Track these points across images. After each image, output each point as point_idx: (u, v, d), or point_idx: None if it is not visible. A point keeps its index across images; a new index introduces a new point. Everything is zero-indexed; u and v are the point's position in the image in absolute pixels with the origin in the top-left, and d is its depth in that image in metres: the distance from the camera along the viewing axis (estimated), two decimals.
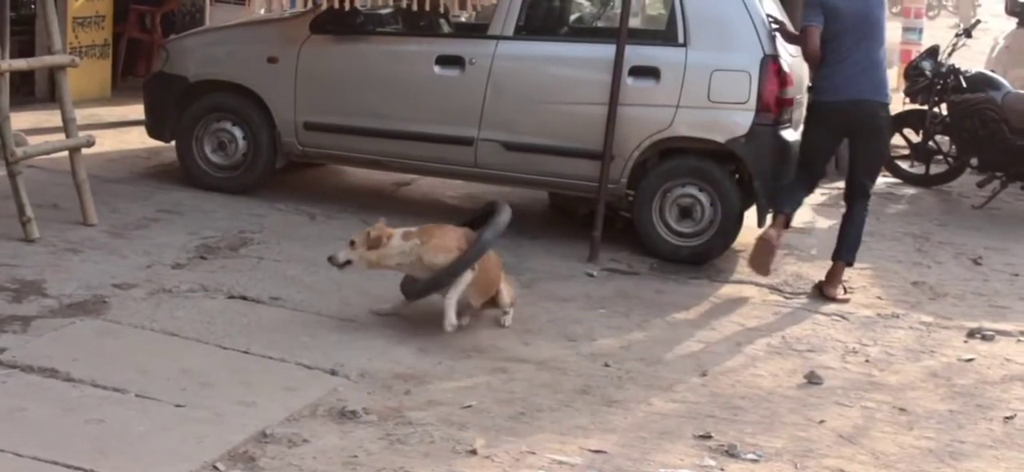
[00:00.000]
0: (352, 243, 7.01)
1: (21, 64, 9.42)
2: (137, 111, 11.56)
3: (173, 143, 10.19)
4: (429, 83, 9.43)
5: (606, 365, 6.74)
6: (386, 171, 10.06)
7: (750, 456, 5.67)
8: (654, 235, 8.97)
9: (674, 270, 8.72)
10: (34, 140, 9.61)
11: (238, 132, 9.86)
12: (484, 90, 9.25)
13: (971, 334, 7.75)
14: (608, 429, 5.87)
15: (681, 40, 8.96)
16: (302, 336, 6.78)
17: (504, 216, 7.22)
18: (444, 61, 9.41)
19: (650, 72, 8.97)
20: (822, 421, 6.17)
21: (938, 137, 12.36)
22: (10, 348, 6.15)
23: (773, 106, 8.74)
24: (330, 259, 7.04)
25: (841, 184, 8.88)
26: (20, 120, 8.42)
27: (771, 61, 8.77)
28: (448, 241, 7.01)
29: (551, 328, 7.32)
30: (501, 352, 6.82)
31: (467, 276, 6.91)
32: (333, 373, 6.29)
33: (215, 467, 5.15)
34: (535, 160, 9.20)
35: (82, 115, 8.93)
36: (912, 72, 12.48)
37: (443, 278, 6.89)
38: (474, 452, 5.46)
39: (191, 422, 5.51)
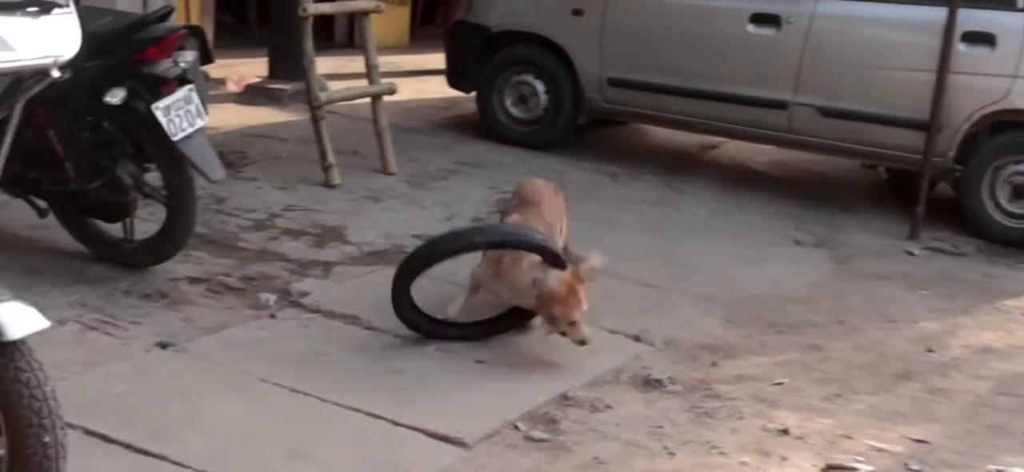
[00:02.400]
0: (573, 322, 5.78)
1: (325, 8, 9.70)
2: (434, 60, 11.86)
3: (473, 94, 10.38)
4: (742, 42, 9.33)
5: (929, 350, 6.55)
6: (692, 132, 10.01)
7: None
8: (983, 214, 8.67)
9: (1004, 253, 8.43)
10: (333, 86, 9.94)
11: (540, 86, 9.99)
12: (801, 51, 9.10)
13: None
14: (931, 418, 5.70)
15: (1021, 4, 8.61)
16: (604, 299, 6.78)
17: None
18: (759, 19, 9.29)
19: (984, 38, 8.65)
20: None
21: None
22: (313, 292, 6.39)
23: None
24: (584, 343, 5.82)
25: None
26: (319, 65, 8.70)
27: None
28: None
29: (867, 307, 7.15)
30: (814, 329, 6.70)
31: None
32: (637, 339, 6.30)
33: (516, 426, 5.22)
34: (854, 128, 9.00)
35: (380, 62, 9.16)
36: None
37: None
38: (786, 432, 5.39)
39: (493, 379, 5.59)
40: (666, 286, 7.12)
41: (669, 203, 8.84)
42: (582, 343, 5.79)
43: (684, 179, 9.47)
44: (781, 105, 9.16)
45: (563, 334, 5.78)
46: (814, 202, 9.26)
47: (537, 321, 5.95)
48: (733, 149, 10.59)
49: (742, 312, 6.83)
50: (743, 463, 5.08)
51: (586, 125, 10.07)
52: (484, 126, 10.19)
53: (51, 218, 6.52)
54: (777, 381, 5.94)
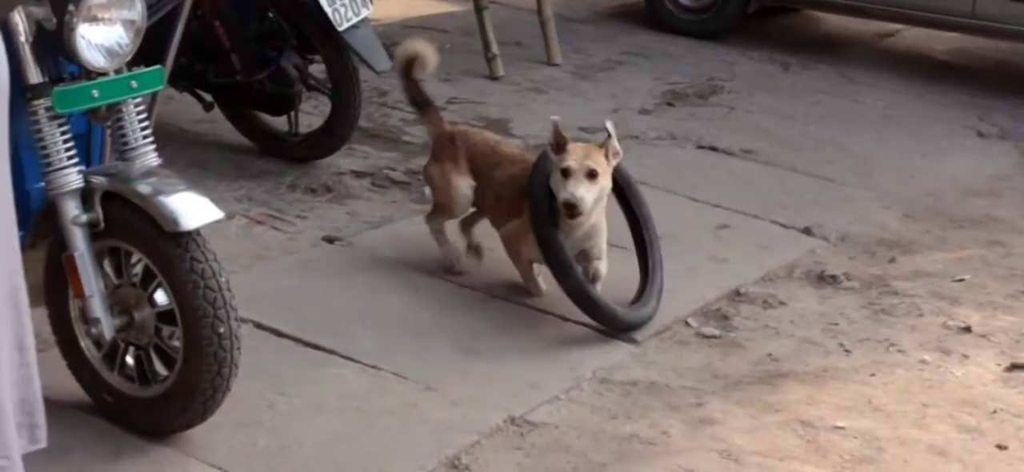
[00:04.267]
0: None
1: None
2: None
3: None
4: None
5: None
6: (868, 19, 9.84)
7: None
8: None
9: None
10: None
11: None
12: None
13: None
14: None
15: None
16: (777, 193, 6.78)
17: None
18: None
19: None
20: None
21: None
22: None
23: None
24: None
25: None
26: None
27: None
28: None
29: None
30: (998, 224, 6.60)
31: None
32: (810, 234, 6.28)
33: (687, 323, 5.26)
34: None
35: None
36: None
37: None
38: (968, 329, 5.34)
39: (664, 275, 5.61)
40: (841, 180, 7.06)
41: (844, 93, 8.72)
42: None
43: (860, 69, 9.30)
44: None
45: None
46: (999, 92, 9.04)
47: None
48: (911, 37, 10.37)
49: (921, 206, 6.75)
50: (923, 361, 5.07)
51: (756, 13, 9.94)
52: (650, 15, 10.10)
53: (216, 112, 6.67)
54: (958, 277, 5.88)
